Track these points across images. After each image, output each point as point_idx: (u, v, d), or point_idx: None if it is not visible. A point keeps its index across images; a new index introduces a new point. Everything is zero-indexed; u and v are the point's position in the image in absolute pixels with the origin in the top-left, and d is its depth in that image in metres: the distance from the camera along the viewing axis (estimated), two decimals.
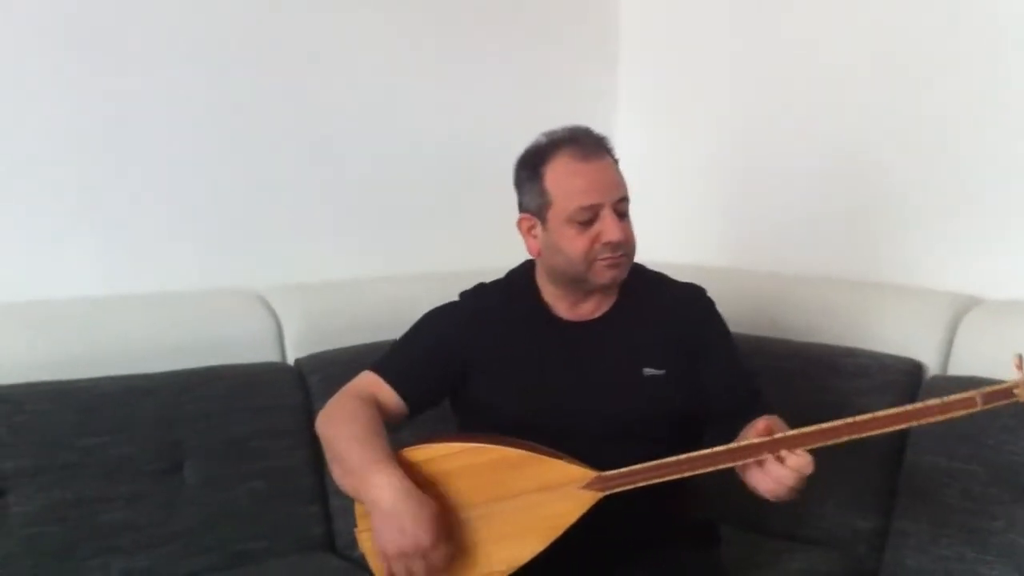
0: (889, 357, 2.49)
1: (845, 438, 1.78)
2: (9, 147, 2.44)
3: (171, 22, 2.63)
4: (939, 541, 2.27)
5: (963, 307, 2.51)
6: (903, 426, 1.81)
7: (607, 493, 1.86)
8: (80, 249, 2.55)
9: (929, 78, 2.70)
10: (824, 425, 1.78)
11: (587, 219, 2.00)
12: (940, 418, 1.77)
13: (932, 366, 2.48)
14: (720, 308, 2.18)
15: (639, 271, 2.15)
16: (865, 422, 1.77)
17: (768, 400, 2.07)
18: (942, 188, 2.69)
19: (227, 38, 2.72)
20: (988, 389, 1.76)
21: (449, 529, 1.87)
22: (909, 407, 1.80)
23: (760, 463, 1.80)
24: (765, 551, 2.39)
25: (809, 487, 2.41)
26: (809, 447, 1.79)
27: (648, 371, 2.06)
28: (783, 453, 1.77)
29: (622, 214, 2.04)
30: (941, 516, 2.28)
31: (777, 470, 1.78)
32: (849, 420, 1.78)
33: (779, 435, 1.80)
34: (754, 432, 1.81)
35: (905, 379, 2.45)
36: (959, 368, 2.43)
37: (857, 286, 2.76)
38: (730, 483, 1.88)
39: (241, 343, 2.56)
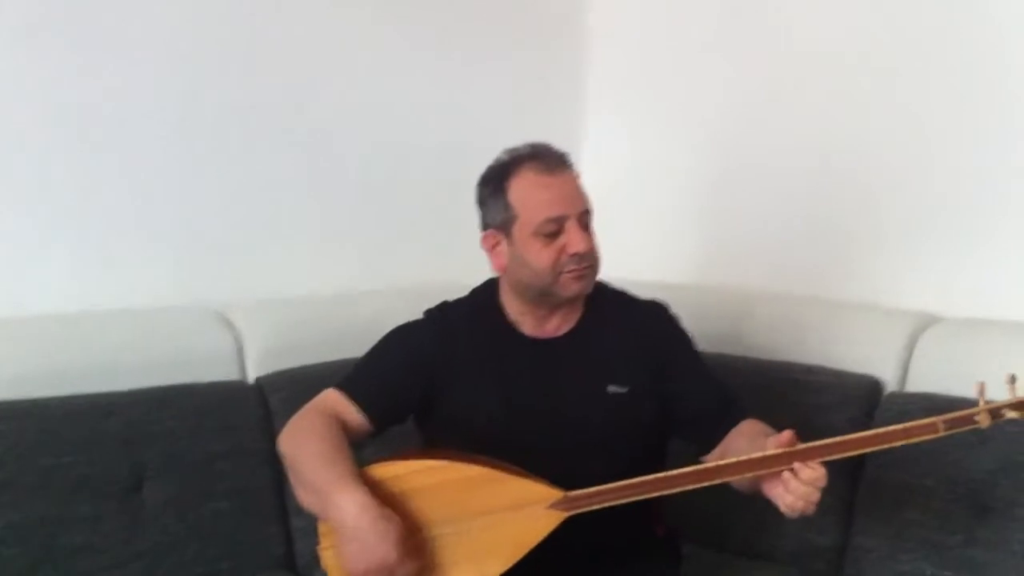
0: (848, 375, 2.52)
1: (792, 463, 1.79)
2: None
3: (147, 37, 2.62)
4: (898, 556, 2.28)
5: (922, 325, 2.53)
6: (862, 451, 1.83)
7: (572, 513, 1.87)
8: (44, 267, 2.53)
9: (893, 100, 2.74)
10: (771, 451, 1.80)
11: (552, 231, 2.01)
12: (901, 443, 1.80)
13: (891, 382, 2.50)
14: (685, 324, 2.20)
15: (602, 289, 2.16)
16: (823, 447, 1.79)
17: (744, 404, 2.09)
18: (904, 207, 2.73)
19: (201, 53, 2.71)
20: (950, 416, 1.78)
21: (415, 546, 1.87)
22: (869, 432, 1.82)
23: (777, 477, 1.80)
24: (727, 568, 2.40)
25: (770, 505, 2.43)
26: (746, 474, 1.82)
27: (612, 388, 2.07)
28: (796, 466, 1.77)
29: (586, 226, 2.05)
30: (900, 531, 2.29)
31: (796, 485, 1.78)
32: (807, 446, 1.79)
33: (717, 463, 1.84)
34: (775, 443, 1.80)
35: (863, 395, 2.47)
36: (916, 385, 2.46)
37: (820, 303, 2.78)
38: (691, 500, 1.89)
39: (202, 361, 2.54)
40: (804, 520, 2.37)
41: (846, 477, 2.39)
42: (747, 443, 1.92)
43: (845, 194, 2.86)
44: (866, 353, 2.54)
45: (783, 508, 1.80)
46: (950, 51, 2.64)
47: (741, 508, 2.46)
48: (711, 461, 1.98)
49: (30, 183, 2.50)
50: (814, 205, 2.93)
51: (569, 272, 2.02)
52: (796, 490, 1.77)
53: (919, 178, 2.70)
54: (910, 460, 2.28)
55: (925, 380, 2.43)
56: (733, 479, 1.85)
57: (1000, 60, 2.55)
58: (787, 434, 1.80)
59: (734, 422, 2.05)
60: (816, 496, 1.77)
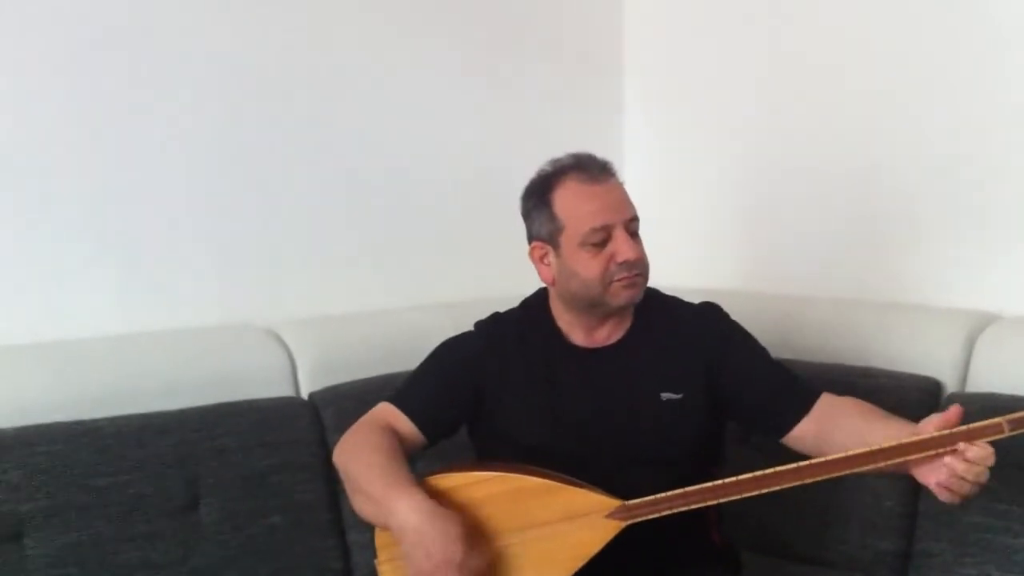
0: (906, 376, 2.48)
1: (844, 471, 1.77)
2: (23, 185, 2.45)
3: (190, 58, 2.64)
4: (963, 560, 2.25)
5: (980, 324, 2.50)
6: (923, 455, 1.76)
7: (631, 522, 1.85)
8: (94, 288, 2.55)
9: (943, 96, 2.70)
10: (817, 460, 1.78)
11: (600, 240, 2.00)
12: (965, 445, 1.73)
13: (950, 383, 2.47)
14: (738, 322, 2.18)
15: (652, 295, 2.14)
16: (877, 452, 1.75)
17: (816, 386, 2.06)
18: (957, 205, 2.69)
19: (242, 75, 2.73)
20: (1013, 416, 1.73)
21: (480, 542, 1.86)
22: (927, 436, 1.75)
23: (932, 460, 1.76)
24: None
25: (830, 510, 2.40)
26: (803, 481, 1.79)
27: (666, 395, 2.05)
28: (962, 445, 1.72)
29: (634, 233, 2.04)
30: (963, 535, 2.26)
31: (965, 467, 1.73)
32: (857, 452, 1.77)
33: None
34: (942, 422, 1.76)
35: (923, 397, 2.43)
36: (977, 385, 2.42)
37: (873, 305, 2.75)
38: (750, 508, 1.86)
39: (254, 378, 2.55)
40: (866, 526, 2.38)
41: (907, 482, 2.34)
42: (862, 422, 1.89)
43: (890, 194, 2.83)
44: (924, 354, 2.51)
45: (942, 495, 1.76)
46: (996, 42, 2.60)
47: (801, 514, 2.45)
48: (798, 441, 1.98)
49: (77, 207, 2.52)
50: (857, 206, 2.90)
51: (619, 280, 2.01)
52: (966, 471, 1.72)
53: (972, 175, 2.66)
54: None
55: (985, 380, 2.39)
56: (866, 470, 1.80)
57: None
58: (955, 409, 1.76)
59: (810, 399, 2.01)
60: (984, 476, 1.73)
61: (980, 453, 1.72)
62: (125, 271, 2.59)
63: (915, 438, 1.76)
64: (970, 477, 1.72)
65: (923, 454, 1.75)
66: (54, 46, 2.46)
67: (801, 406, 2.01)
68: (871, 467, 1.77)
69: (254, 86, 2.76)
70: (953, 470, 1.72)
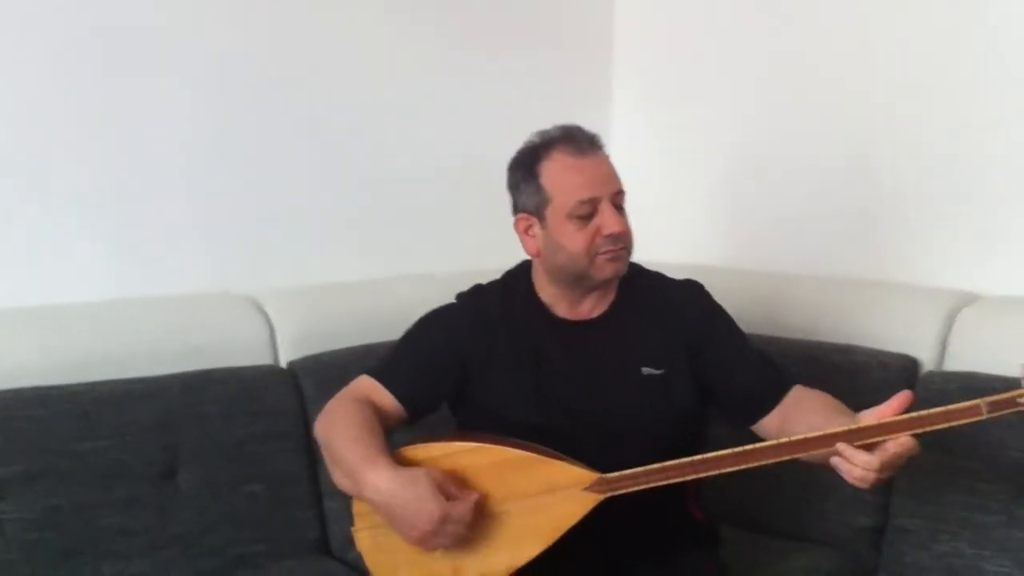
0: (885, 353, 2.49)
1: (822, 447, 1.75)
2: (7, 156, 2.44)
3: (179, 34, 2.63)
4: (938, 537, 2.28)
5: (959, 303, 2.51)
6: (903, 434, 1.73)
7: (609, 495, 1.85)
8: (76, 255, 2.55)
9: (928, 77, 2.70)
10: (800, 437, 1.76)
11: (586, 213, 1.99)
12: (943, 426, 1.72)
13: (928, 362, 2.48)
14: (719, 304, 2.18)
15: (636, 270, 2.14)
16: (858, 431, 1.73)
17: (791, 374, 2.06)
18: (939, 185, 2.69)
19: (231, 49, 2.72)
20: (993, 398, 1.73)
21: (456, 487, 1.86)
22: (906, 416, 1.73)
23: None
24: (766, 551, 2.39)
25: (809, 486, 2.41)
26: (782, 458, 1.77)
27: (647, 370, 2.05)
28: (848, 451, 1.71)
29: (619, 207, 2.03)
30: (940, 512, 2.28)
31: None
32: (837, 430, 1.74)
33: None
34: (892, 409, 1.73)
35: (901, 374, 2.44)
36: (955, 364, 2.43)
37: (854, 283, 2.76)
38: (729, 483, 1.87)
39: (234, 347, 2.55)
40: (844, 502, 2.40)
41: None
42: (819, 421, 1.85)
43: (874, 175, 2.83)
44: (903, 332, 2.52)
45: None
46: (982, 30, 2.60)
47: (780, 490, 2.47)
48: (764, 431, 1.99)
49: (63, 175, 2.52)
50: (841, 187, 2.90)
51: (604, 254, 2.01)
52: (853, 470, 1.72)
53: (955, 155, 2.66)
54: (949, 440, 2.23)
55: (964, 359, 2.41)
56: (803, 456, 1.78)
57: None
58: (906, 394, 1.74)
59: (781, 391, 2.02)
60: (871, 476, 1.70)
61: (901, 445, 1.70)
62: (107, 238, 2.59)
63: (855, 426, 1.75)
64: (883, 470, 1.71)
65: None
66: (46, 23, 2.45)
67: (773, 398, 2.02)
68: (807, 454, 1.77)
69: (241, 62, 2.75)
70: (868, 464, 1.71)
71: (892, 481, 2.35)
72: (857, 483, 1.72)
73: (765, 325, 2.64)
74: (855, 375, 2.46)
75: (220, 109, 2.72)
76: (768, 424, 2.01)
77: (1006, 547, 2.18)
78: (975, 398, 1.73)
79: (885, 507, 2.38)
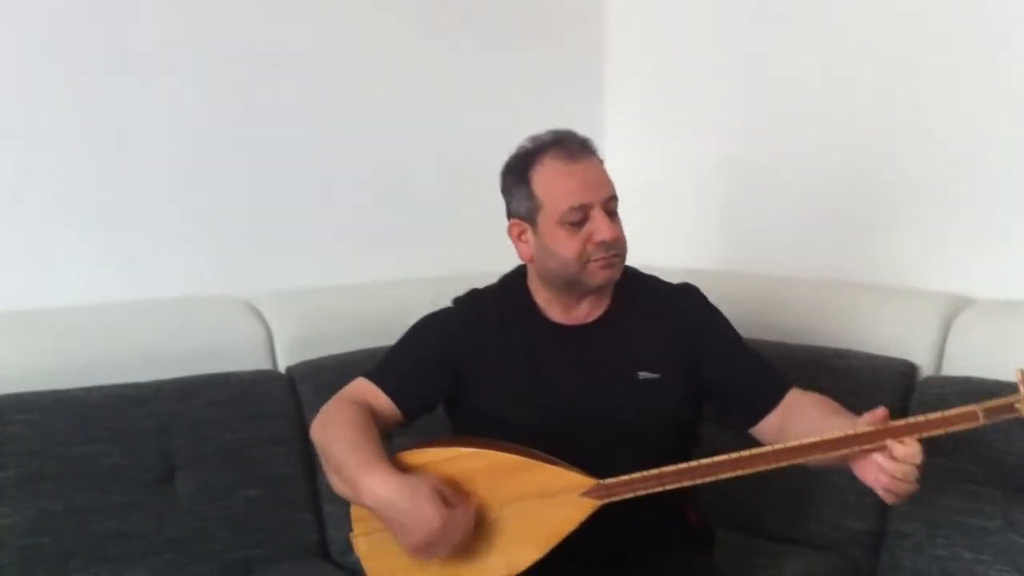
0: (881, 358, 2.50)
1: (803, 458, 1.76)
2: (4, 156, 2.44)
3: (174, 33, 2.63)
4: (935, 541, 2.27)
5: (956, 307, 2.51)
6: (897, 439, 1.73)
7: (607, 501, 1.85)
8: (73, 259, 2.55)
9: (921, 80, 2.70)
10: (799, 442, 1.76)
11: (578, 220, 1.99)
12: (941, 432, 1.73)
13: (925, 367, 2.48)
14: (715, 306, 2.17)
15: (631, 274, 2.14)
16: (848, 438, 1.73)
17: (785, 375, 2.07)
18: (934, 189, 2.69)
19: (226, 53, 2.72)
20: (989, 404, 1.73)
21: (455, 493, 1.86)
22: (906, 421, 1.74)
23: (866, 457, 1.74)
24: (762, 554, 2.38)
25: (806, 490, 2.41)
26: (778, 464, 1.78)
27: (643, 374, 2.05)
28: (890, 443, 1.71)
29: (612, 213, 2.03)
30: (937, 516, 2.28)
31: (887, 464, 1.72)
32: (837, 435, 1.74)
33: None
34: (871, 419, 1.74)
35: (898, 379, 2.45)
36: (952, 369, 2.43)
37: (850, 287, 2.76)
38: (726, 486, 1.86)
39: (232, 351, 2.55)
40: (841, 506, 2.39)
41: None
42: (819, 419, 1.88)
43: (869, 178, 2.83)
44: (900, 337, 2.52)
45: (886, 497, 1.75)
46: (976, 32, 2.60)
47: (777, 493, 2.46)
48: (763, 433, 2.00)
49: (59, 178, 2.51)
50: (836, 190, 2.90)
51: (596, 261, 2.01)
52: (895, 470, 1.71)
53: (950, 159, 2.66)
54: (947, 444, 2.22)
55: (961, 364, 2.41)
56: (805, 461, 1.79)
57: None
58: (882, 411, 1.74)
59: (780, 393, 2.02)
60: (913, 475, 1.71)
61: (906, 451, 1.71)
62: (104, 242, 2.59)
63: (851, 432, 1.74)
64: (898, 475, 1.71)
65: (853, 449, 1.75)
66: (38, 18, 2.44)
67: (772, 400, 2.02)
68: (809, 458, 1.77)
69: (236, 62, 2.74)
70: (884, 469, 1.72)
71: None
72: (896, 489, 1.72)
73: (761, 329, 2.63)
74: (851, 380, 2.46)
75: (218, 111, 2.72)
76: (768, 426, 2.02)
77: (1004, 551, 2.18)
78: (973, 403, 1.73)
79: (882, 511, 2.37)
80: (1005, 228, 2.57)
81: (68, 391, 2.29)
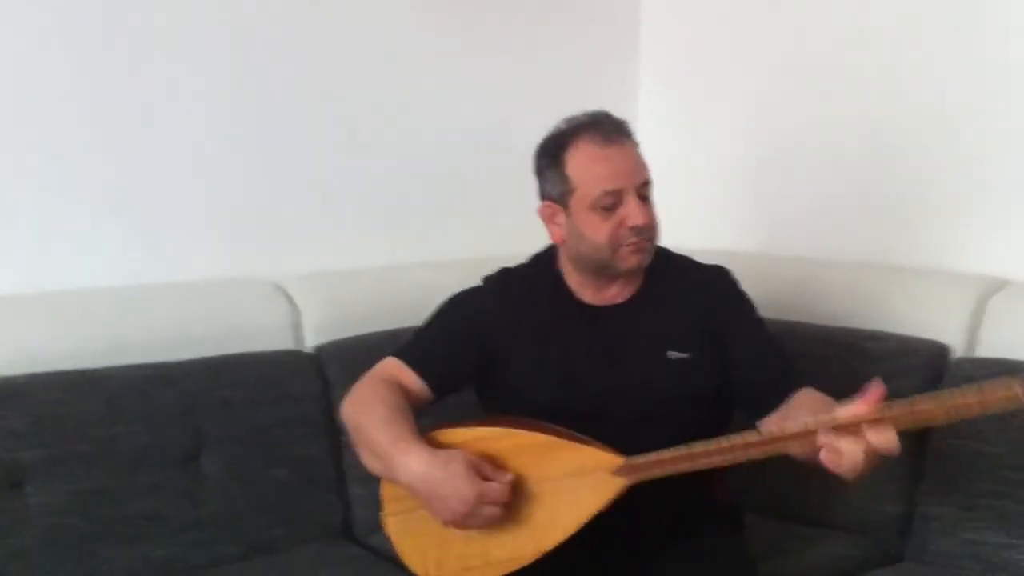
0: (915, 340, 2.47)
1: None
2: (30, 141, 2.44)
3: (196, 17, 2.62)
4: (965, 524, 2.26)
5: (990, 289, 2.49)
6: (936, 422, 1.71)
7: (637, 480, 1.84)
8: (101, 240, 2.55)
9: (955, 60, 2.68)
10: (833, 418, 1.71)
11: (610, 204, 1.98)
12: (978, 412, 1.66)
13: (959, 348, 2.46)
14: (746, 290, 2.16)
15: (664, 255, 2.13)
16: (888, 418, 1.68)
17: (803, 374, 2.04)
18: (968, 170, 2.67)
19: (250, 33, 2.71)
20: None
21: (491, 467, 1.86)
22: (932, 395, 1.69)
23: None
24: (791, 537, 2.38)
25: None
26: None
27: (673, 354, 2.04)
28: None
29: (645, 198, 2.02)
30: (967, 499, 2.26)
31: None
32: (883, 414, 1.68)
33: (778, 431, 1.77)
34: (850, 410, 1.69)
35: (931, 361, 2.42)
36: (986, 350, 2.41)
37: (883, 269, 2.74)
38: (754, 469, 1.86)
39: (259, 332, 2.55)
40: (870, 489, 2.37)
41: (912, 445, 2.34)
42: (809, 415, 1.84)
43: (903, 159, 2.80)
44: (933, 318, 2.50)
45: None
46: (1007, 10, 2.57)
47: (806, 477, 2.42)
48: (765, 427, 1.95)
49: (84, 160, 2.51)
50: (870, 171, 2.88)
51: (628, 246, 2.00)
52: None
53: (985, 140, 2.64)
54: (977, 427, 2.24)
55: (994, 345, 2.39)
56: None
57: None
58: (875, 393, 1.68)
59: (790, 390, 2.00)
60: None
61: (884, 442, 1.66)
62: (132, 224, 2.59)
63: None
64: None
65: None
66: (66, 12, 2.45)
67: (780, 399, 2.00)
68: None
69: (260, 44, 2.74)
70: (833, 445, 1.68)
71: (920, 468, 2.35)
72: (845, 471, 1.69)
73: (792, 311, 2.62)
74: (884, 361, 2.43)
75: (246, 91, 2.72)
76: (769, 424, 1.98)
77: None
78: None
79: (911, 494, 2.36)
80: None
81: (96, 371, 2.29)
